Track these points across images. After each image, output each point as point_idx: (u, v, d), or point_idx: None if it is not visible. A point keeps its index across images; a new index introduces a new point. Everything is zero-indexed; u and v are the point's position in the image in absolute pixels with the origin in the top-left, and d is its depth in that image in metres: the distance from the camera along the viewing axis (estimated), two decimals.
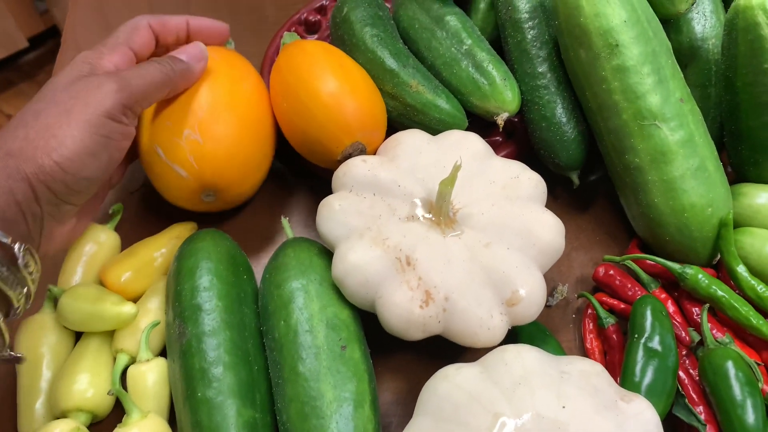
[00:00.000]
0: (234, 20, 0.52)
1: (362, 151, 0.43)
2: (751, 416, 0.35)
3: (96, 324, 0.39)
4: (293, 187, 0.51)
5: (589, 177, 0.49)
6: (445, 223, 0.38)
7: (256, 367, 0.37)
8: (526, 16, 0.46)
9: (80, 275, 0.42)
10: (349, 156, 0.42)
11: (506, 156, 0.48)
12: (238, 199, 0.46)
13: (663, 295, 0.41)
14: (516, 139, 0.49)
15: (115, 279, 0.41)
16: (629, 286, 0.42)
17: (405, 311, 0.35)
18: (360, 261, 0.36)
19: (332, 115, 0.42)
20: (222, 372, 0.36)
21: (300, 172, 0.51)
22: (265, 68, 0.54)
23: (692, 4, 0.43)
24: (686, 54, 0.45)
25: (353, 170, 0.40)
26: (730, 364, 0.36)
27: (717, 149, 0.43)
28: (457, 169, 0.36)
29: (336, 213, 0.39)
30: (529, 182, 0.41)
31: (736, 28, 0.40)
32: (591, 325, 0.42)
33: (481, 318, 0.35)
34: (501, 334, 0.36)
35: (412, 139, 0.42)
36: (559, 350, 0.39)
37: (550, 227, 0.38)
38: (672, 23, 0.45)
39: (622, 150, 0.42)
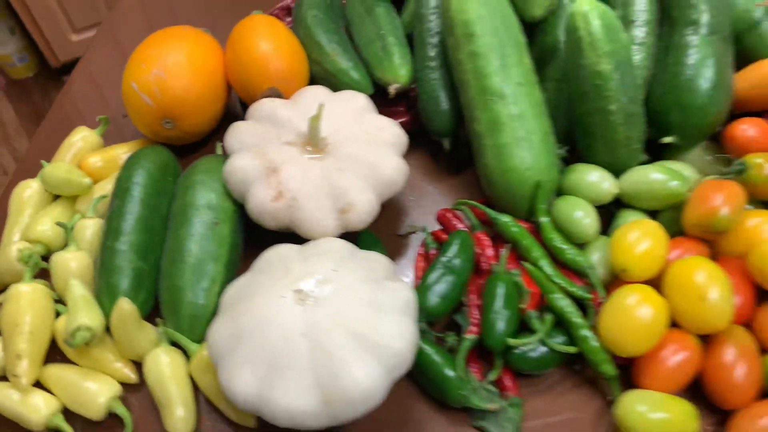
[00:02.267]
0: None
1: (278, 95, 0.56)
2: (501, 324, 0.44)
3: (64, 188, 0.55)
4: None
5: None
6: (314, 151, 0.50)
7: (156, 238, 0.51)
8: (429, 11, 0.58)
9: (68, 159, 0.58)
10: (266, 97, 0.56)
11: (403, 122, 0.60)
12: (192, 131, 0.60)
13: (483, 237, 0.51)
14: (413, 111, 0.60)
15: (88, 164, 0.57)
16: (458, 226, 0.52)
17: (261, 203, 0.48)
18: (241, 165, 0.49)
19: (257, 66, 0.56)
20: (128, 232, 0.50)
21: None
22: None
23: (547, 12, 0.53)
24: (549, 52, 0.55)
25: (261, 106, 0.54)
26: (500, 285, 0.46)
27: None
28: (320, 107, 0.49)
29: (238, 132, 0.52)
30: (391, 134, 0.52)
31: (567, 30, 0.50)
32: (422, 249, 0.52)
33: (318, 218, 0.48)
34: (332, 232, 0.48)
35: (314, 91, 0.55)
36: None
37: (393, 167, 0.50)
38: (541, 26, 0.55)
39: (471, 119, 0.53)
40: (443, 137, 0.57)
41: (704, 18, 0.52)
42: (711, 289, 0.42)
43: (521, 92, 0.51)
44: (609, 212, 0.52)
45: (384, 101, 0.60)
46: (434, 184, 0.58)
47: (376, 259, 0.44)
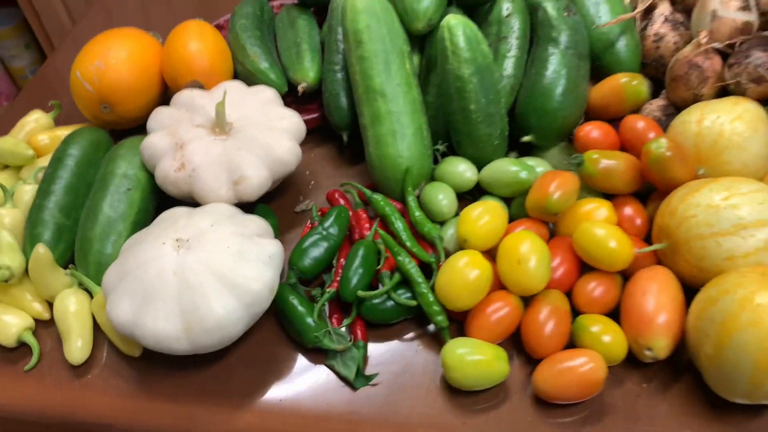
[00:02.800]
0: None
1: (200, 87, 0.65)
2: (355, 280, 0.52)
3: (9, 158, 0.64)
4: None
5: None
6: (219, 132, 0.59)
7: (80, 201, 0.59)
8: (337, 22, 0.67)
9: (21, 136, 0.68)
10: (189, 88, 0.64)
11: (314, 118, 0.68)
12: (128, 116, 0.69)
13: (362, 213, 0.59)
14: (323, 108, 0.69)
15: (35, 140, 0.66)
16: (342, 202, 0.60)
17: (166, 172, 0.56)
18: (153, 141, 0.58)
19: (184, 62, 0.65)
20: (56, 193, 0.59)
21: None
22: None
23: (428, 26, 0.61)
24: (432, 61, 0.64)
25: (182, 95, 0.63)
26: (361, 249, 0.54)
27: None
28: (224, 96, 0.57)
29: (158, 115, 0.61)
30: (290, 122, 0.61)
31: (437, 40, 0.59)
32: (309, 222, 0.60)
33: (213, 187, 0.56)
34: (226, 200, 0.56)
35: (230, 84, 0.64)
36: (275, 227, 0.58)
37: (286, 149, 0.58)
38: (428, 39, 0.64)
39: (359, 114, 0.61)
40: (342, 130, 0.66)
41: (562, 37, 0.61)
42: (530, 258, 0.50)
43: (400, 92, 0.59)
44: (474, 198, 0.60)
45: (300, 99, 0.69)
46: (336, 171, 0.66)
47: (252, 220, 0.53)
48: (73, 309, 0.53)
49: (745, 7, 0.58)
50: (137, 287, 0.47)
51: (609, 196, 0.57)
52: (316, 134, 0.69)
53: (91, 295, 0.55)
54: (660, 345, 0.47)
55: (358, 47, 0.60)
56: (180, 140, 0.58)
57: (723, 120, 0.54)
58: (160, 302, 0.46)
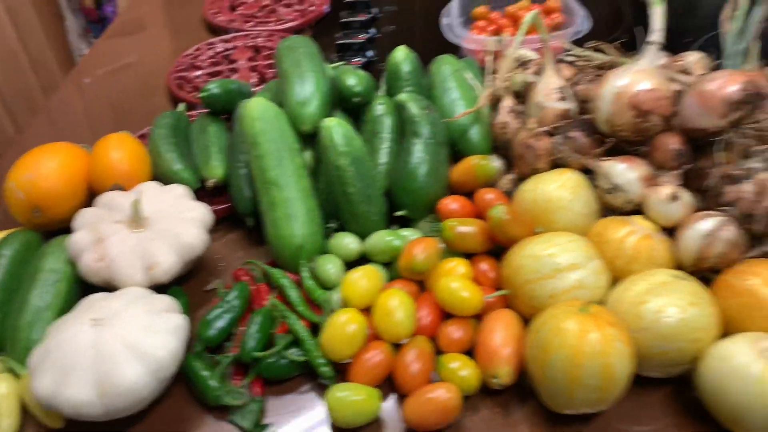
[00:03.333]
0: None
1: (121, 189, 0.75)
2: (252, 343, 0.61)
3: None
4: None
5: None
6: (135, 226, 0.68)
7: (13, 296, 0.67)
8: (239, 127, 0.79)
9: None
10: (111, 190, 0.74)
11: (224, 208, 0.79)
12: (57, 218, 0.77)
13: (262, 287, 0.68)
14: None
15: None
16: (246, 278, 0.69)
17: (87, 264, 0.65)
18: (77, 238, 0.67)
19: (106, 169, 0.75)
20: None
21: None
22: None
23: (314, 128, 0.74)
24: (322, 152, 0.75)
25: (104, 196, 0.73)
26: (258, 316, 0.63)
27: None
28: (139, 195, 0.68)
29: (82, 215, 0.70)
30: (198, 213, 0.71)
31: (319, 137, 0.71)
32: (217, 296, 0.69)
33: (128, 274, 0.65)
34: (141, 284, 0.65)
35: (147, 185, 0.74)
36: (186, 305, 0.67)
37: (194, 236, 0.68)
38: (317, 137, 0.76)
39: (258, 202, 0.72)
40: (247, 217, 0.76)
41: (424, 130, 0.74)
42: (398, 311, 0.60)
43: (292, 182, 0.71)
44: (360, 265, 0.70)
45: (211, 193, 0.80)
46: (244, 253, 0.76)
47: (161, 299, 0.61)
48: (2, 392, 0.59)
49: (563, 98, 0.73)
50: (57, 363, 0.55)
51: (470, 255, 0.68)
52: (227, 222, 0.79)
53: (18, 377, 0.62)
54: (504, 372, 0.57)
55: (255, 147, 0.72)
56: (100, 235, 0.67)
57: (551, 188, 0.67)
58: (78, 372, 0.54)
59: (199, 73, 1.05)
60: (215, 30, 1.21)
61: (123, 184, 0.75)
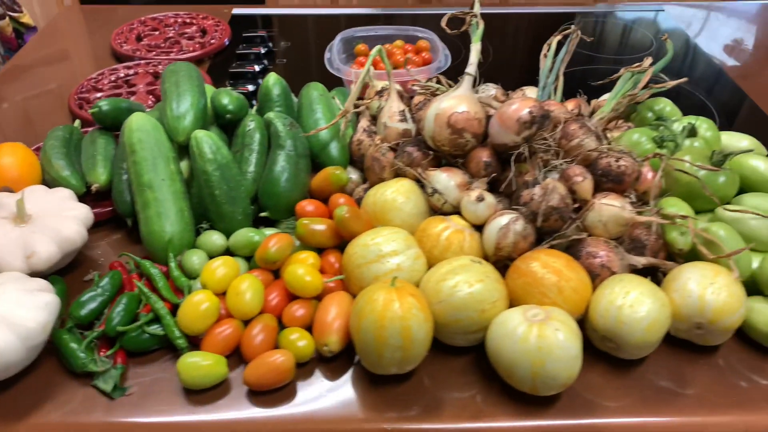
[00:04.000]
0: None
1: (10, 191, 0.82)
2: (117, 320, 0.69)
3: None
4: None
5: None
6: (19, 222, 0.76)
7: None
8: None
9: None
10: (1, 192, 0.82)
11: (105, 210, 0.87)
12: None
13: (135, 276, 0.77)
14: None
15: None
16: (120, 269, 0.78)
17: None
18: None
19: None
20: None
21: None
22: None
23: (187, 140, 0.84)
24: (192, 160, 0.86)
25: None
26: (124, 298, 0.71)
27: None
28: (22, 194, 0.76)
29: None
30: (79, 212, 0.79)
31: (190, 146, 0.81)
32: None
33: (8, 261, 0.72)
34: (21, 270, 0.72)
35: (34, 187, 0.82)
36: (62, 292, 0.75)
37: (73, 231, 0.77)
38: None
39: (135, 203, 0.81)
40: (127, 217, 0.85)
41: (287, 143, 0.85)
42: (246, 292, 0.70)
43: (164, 185, 0.80)
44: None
45: (97, 197, 0.88)
46: (124, 248, 0.84)
47: (36, 281, 0.70)
48: None
49: (403, 119, 0.86)
50: None
51: (322, 249, 0.80)
52: (111, 223, 0.88)
53: None
54: (332, 341, 0.68)
55: (132, 155, 0.81)
56: None
57: (387, 192, 0.80)
58: None
59: (99, 94, 1.14)
60: (121, 58, 1.30)
61: (12, 187, 0.83)
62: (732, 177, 0.80)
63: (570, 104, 0.98)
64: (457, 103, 0.79)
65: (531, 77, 0.99)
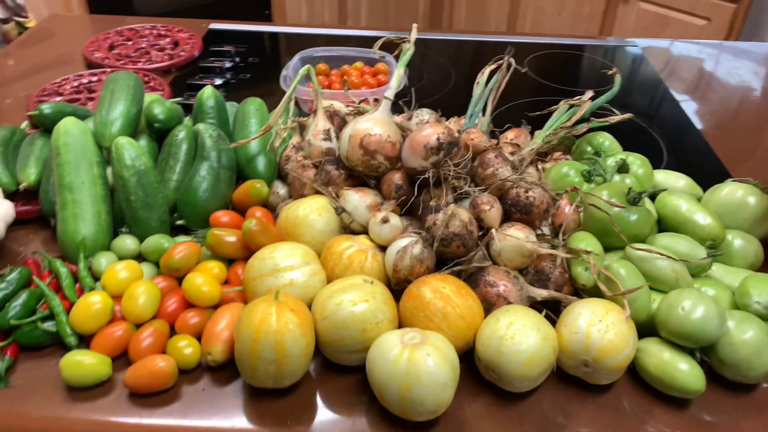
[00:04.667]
0: None
1: None
2: (12, 314, 0.71)
3: None
4: None
5: None
6: None
7: None
8: None
9: None
10: None
11: (33, 208, 0.89)
12: None
13: (45, 273, 0.79)
14: None
15: None
16: (32, 266, 0.80)
17: None
18: None
19: None
20: None
21: None
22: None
23: (108, 146, 0.86)
24: (113, 166, 0.87)
25: None
26: (22, 294, 0.73)
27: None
28: None
29: None
30: (1, 208, 0.81)
31: (109, 151, 0.83)
32: None
33: None
34: None
35: None
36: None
37: None
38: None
39: (56, 203, 0.83)
40: (51, 217, 0.87)
41: (212, 155, 0.87)
42: (141, 296, 0.71)
43: (84, 188, 0.82)
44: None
45: (28, 195, 0.90)
46: (46, 247, 0.86)
47: None
48: None
49: (327, 138, 0.87)
50: None
51: (233, 260, 0.80)
52: (38, 222, 0.90)
53: None
54: (216, 350, 0.68)
55: (57, 157, 0.83)
56: None
57: (300, 209, 0.80)
58: None
59: (58, 99, 1.17)
60: (91, 65, 1.34)
61: None
62: (646, 215, 0.80)
63: (510, 134, 0.99)
64: (372, 125, 0.80)
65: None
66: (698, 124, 1.24)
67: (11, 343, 0.71)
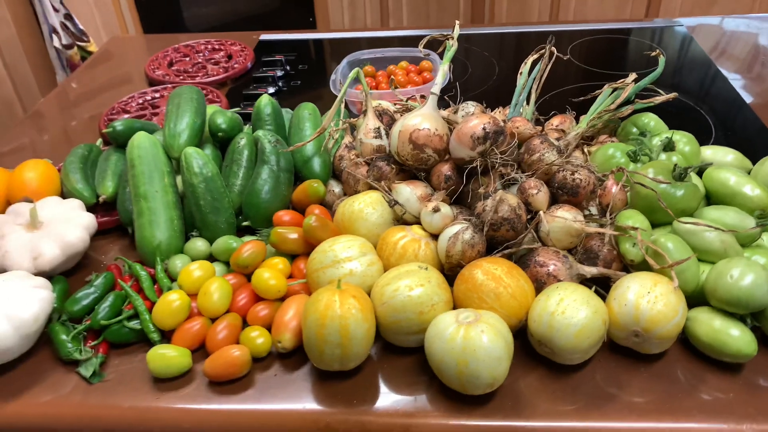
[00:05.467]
0: None
1: (30, 201, 0.94)
2: (103, 314, 0.78)
3: None
4: None
5: None
6: (31, 228, 0.87)
7: None
8: None
9: None
10: (22, 202, 0.93)
11: (113, 219, 0.97)
12: None
13: (127, 277, 0.86)
14: None
15: None
16: (114, 271, 0.87)
17: None
18: None
19: (18, 185, 0.95)
20: None
21: None
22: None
23: (178, 156, 0.93)
24: (182, 174, 0.94)
25: (14, 206, 0.91)
26: (111, 296, 0.80)
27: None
28: (34, 206, 0.87)
29: None
30: (84, 220, 0.90)
31: (180, 161, 0.90)
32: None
33: (17, 261, 0.83)
34: (28, 270, 0.83)
35: (49, 198, 0.93)
36: (64, 289, 0.84)
37: (76, 237, 0.87)
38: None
39: (133, 212, 0.90)
40: (128, 226, 0.95)
41: (272, 159, 0.93)
42: (215, 293, 0.78)
43: (158, 197, 0.89)
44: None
45: (106, 207, 0.99)
46: (126, 254, 0.94)
47: (37, 280, 0.79)
48: None
49: (377, 136, 0.92)
50: None
51: (296, 256, 0.86)
52: (117, 231, 0.98)
53: None
54: (286, 338, 0.74)
55: (132, 169, 0.91)
56: (3, 233, 0.86)
57: (356, 204, 0.85)
58: None
59: (126, 116, 1.26)
60: (152, 83, 1.43)
61: (32, 197, 0.94)
62: (693, 190, 0.81)
63: (555, 120, 1.01)
64: (420, 120, 0.84)
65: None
66: (748, 99, 1.23)
67: (102, 341, 0.78)
